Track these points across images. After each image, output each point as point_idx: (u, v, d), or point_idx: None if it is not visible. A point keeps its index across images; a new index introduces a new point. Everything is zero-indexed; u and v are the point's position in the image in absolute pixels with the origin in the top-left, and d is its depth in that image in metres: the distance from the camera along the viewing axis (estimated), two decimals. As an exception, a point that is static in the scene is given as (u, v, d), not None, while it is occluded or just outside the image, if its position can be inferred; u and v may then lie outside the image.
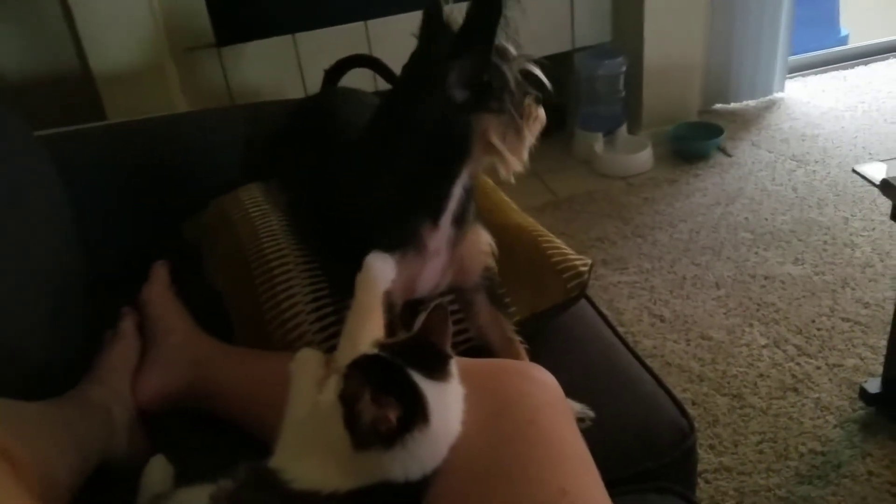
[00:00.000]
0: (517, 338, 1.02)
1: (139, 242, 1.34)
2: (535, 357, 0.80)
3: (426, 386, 0.66)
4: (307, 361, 0.81)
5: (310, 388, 0.75)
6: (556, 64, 3.18)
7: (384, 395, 0.62)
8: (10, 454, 0.67)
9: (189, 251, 1.26)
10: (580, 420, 0.93)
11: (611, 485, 0.74)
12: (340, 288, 1.07)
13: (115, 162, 1.38)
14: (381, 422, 0.62)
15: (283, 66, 2.44)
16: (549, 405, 0.75)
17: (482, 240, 1.04)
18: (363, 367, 0.65)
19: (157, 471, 0.84)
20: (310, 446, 0.69)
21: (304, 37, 2.42)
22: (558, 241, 1.17)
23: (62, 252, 1.13)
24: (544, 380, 0.78)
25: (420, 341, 0.71)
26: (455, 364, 0.71)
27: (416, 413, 0.64)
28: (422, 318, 0.72)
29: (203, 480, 0.71)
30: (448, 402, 0.69)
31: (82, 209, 1.24)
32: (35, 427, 0.80)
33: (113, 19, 2.08)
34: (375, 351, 0.68)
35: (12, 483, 0.64)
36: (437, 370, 0.69)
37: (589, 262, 1.13)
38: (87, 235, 1.23)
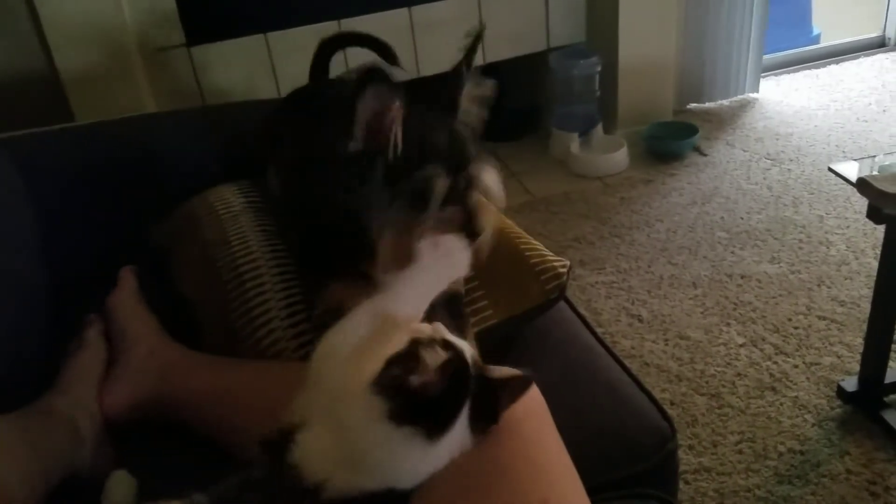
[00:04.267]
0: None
1: (107, 247, 1.30)
2: (514, 361, 0.78)
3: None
4: None
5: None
6: (532, 64, 3.18)
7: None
8: None
9: (158, 256, 1.23)
10: None
11: (592, 491, 0.73)
12: (314, 293, 1.05)
13: (83, 164, 1.35)
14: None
15: (255, 67, 2.40)
16: (532, 415, 0.74)
17: None
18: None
19: (120, 486, 0.81)
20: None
21: (276, 36, 2.39)
22: (535, 243, 1.15)
23: (23, 258, 1.09)
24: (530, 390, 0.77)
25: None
26: None
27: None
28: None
29: (171, 495, 0.68)
30: None
31: (47, 213, 1.20)
32: None
33: (80, 19, 2.04)
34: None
35: None
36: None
37: (567, 263, 1.11)
38: (53, 240, 1.19)
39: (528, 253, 1.11)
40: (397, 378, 0.62)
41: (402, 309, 0.72)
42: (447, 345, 0.65)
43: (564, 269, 1.10)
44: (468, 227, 0.87)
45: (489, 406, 0.68)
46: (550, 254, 1.12)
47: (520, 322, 1.06)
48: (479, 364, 0.69)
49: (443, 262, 0.78)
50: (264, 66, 2.41)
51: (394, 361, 0.63)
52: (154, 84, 2.26)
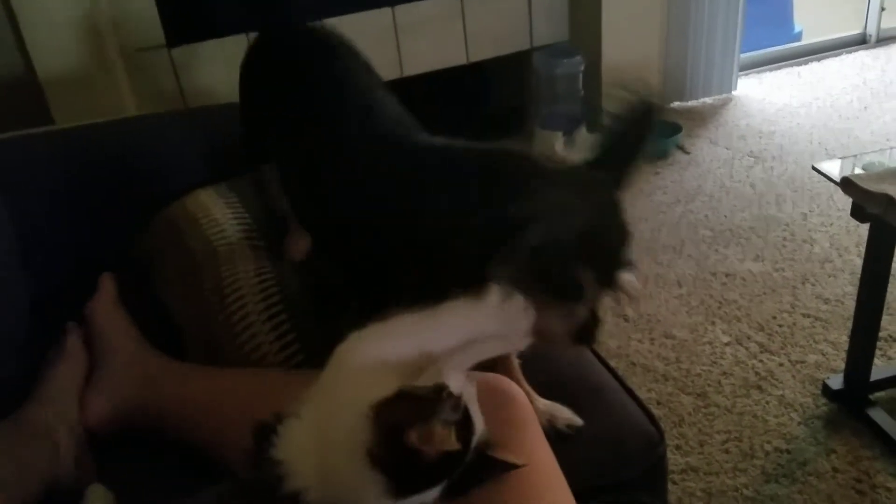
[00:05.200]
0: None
1: (88, 254, 1.28)
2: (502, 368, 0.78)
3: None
4: None
5: None
6: (515, 63, 3.15)
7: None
8: None
9: (140, 265, 1.21)
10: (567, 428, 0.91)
11: (581, 496, 0.72)
12: (294, 300, 1.04)
13: (64, 170, 1.32)
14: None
15: (237, 67, 2.37)
16: (525, 426, 0.74)
17: None
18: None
19: (97, 500, 0.79)
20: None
21: (257, 37, 2.37)
22: None
23: (1, 265, 1.07)
24: (515, 396, 0.77)
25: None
26: None
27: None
28: None
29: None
30: None
31: (26, 220, 1.18)
32: None
33: (58, 19, 2.01)
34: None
35: None
36: None
37: None
38: (32, 247, 1.17)
39: None
40: (398, 423, 0.58)
41: (439, 342, 0.68)
42: (465, 419, 0.60)
43: None
44: (583, 334, 0.78)
45: (468, 480, 0.64)
46: None
47: None
48: (484, 441, 0.64)
49: (502, 332, 0.71)
50: (246, 66, 2.38)
51: (405, 399, 0.59)
52: (135, 86, 2.23)
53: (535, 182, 0.77)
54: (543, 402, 0.95)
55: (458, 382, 0.62)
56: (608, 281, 0.77)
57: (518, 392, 0.77)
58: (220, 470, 0.70)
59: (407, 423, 0.57)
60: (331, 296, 1.05)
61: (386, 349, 0.67)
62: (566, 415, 0.94)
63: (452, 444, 0.58)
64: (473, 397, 0.64)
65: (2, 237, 1.10)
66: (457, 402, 0.59)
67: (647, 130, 0.83)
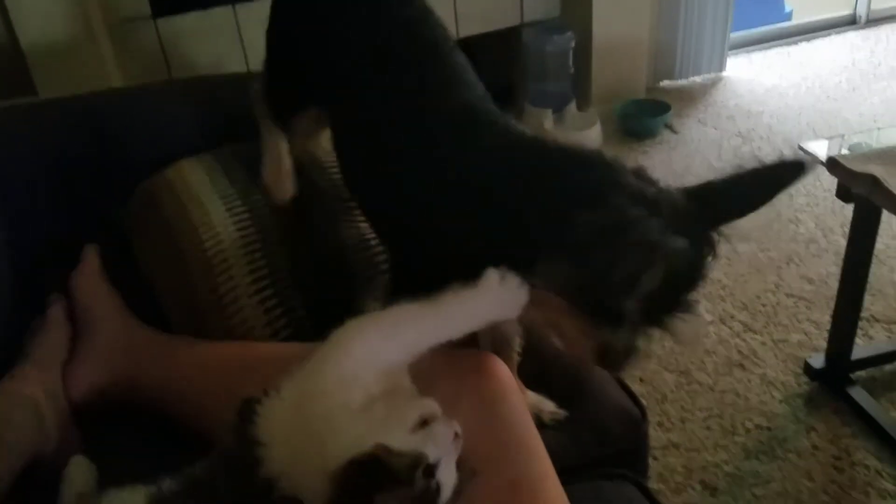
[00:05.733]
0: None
1: (71, 227, 1.27)
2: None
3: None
4: None
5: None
6: (505, 39, 3.13)
7: None
8: None
9: (124, 237, 1.20)
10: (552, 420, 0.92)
11: (564, 473, 0.73)
12: (281, 270, 1.03)
13: (45, 140, 1.31)
14: None
15: (223, 39, 2.35)
16: (506, 400, 0.74)
17: None
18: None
19: (79, 471, 0.79)
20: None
21: (244, 8, 2.34)
22: None
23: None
24: (497, 372, 0.77)
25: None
26: None
27: None
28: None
29: (135, 481, 0.67)
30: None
31: (9, 192, 1.17)
32: None
33: (41, -13, 1.98)
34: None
35: None
36: None
37: None
38: (16, 220, 1.16)
39: None
40: (365, 485, 0.57)
41: (442, 334, 0.68)
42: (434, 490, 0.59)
43: None
44: (612, 358, 0.72)
45: None
46: None
47: None
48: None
49: (498, 298, 0.70)
50: (232, 38, 2.36)
51: (380, 465, 0.57)
52: (119, 57, 2.21)
53: (616, 194, 0.70)
54: (531, 395, 0.95)
55: (444, 437, 0.62)
56: (657, 321, 0.71)
57: (500, 367, 0.77)
58: (203, 445, 0.70)
59: (374, 488, 0.57)
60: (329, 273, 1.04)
61: (379, 350, 0.66)
62: (550, 408, 0.95)
63: None
64: (453, 453, 0.63)
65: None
66: (427, 485, 0.58)
67: (781, 188, 0.74)
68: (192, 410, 0.87)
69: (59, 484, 0.78)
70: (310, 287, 1.04)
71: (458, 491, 0.62)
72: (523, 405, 0.76)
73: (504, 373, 0.77)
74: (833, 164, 1.43)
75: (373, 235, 1.07)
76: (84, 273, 1.08)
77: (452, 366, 0.76)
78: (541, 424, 0.89)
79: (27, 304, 1.05)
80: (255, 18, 2.32)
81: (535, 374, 0.97)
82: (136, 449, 0.89)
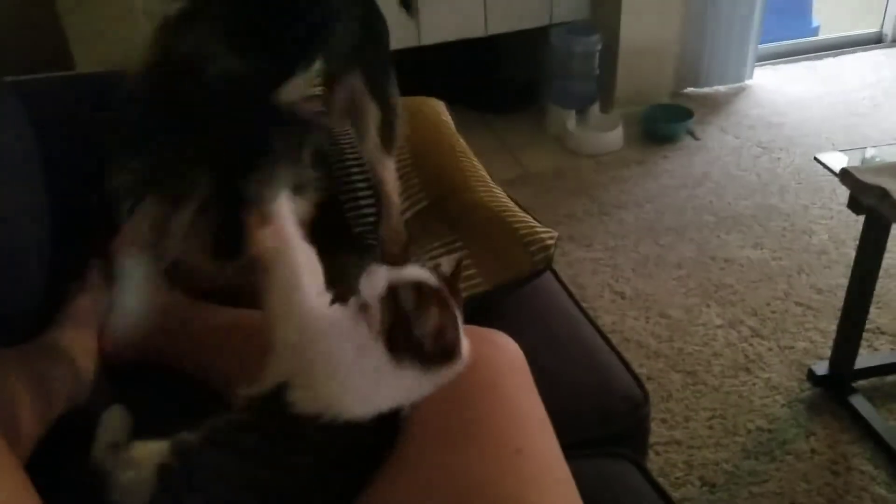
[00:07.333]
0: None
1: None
2: (499, 325, 0.82)
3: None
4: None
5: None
6: (531, 38, 3.16)
7: (433, 311, 0.68)
8: None
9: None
10: None
11: (567, 448, 0.76)
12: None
13: (87, 108, 1.36)
14: (441, 333, 0.68)
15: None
16: (511, 371, 0.78)
17: None
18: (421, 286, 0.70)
19: (115, 420, 0.84)
20: (316, 366, 0.70)
21: None
22: (524, 214, 1.20)
23: (26, 196, 1.11)
24: (508, 346, 0.81)
25: (450, 280, 0.75)
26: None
27: (456, 341, 0.71)
28: (446, 261, 0.77)
29: (160, 435, 0.72)
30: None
31: (52, 161, 1.22)
32: (3, 372, 0.81)
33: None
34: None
35: None
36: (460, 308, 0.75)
37: (555, 234, 1.15)
38: (57, 187, 1.21)
39: (516, 225, 1.16)
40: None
41: None
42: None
43: (552, 241, 1.14)
44: (222, 246, 0.79)
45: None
46: (539, 225, 1.17)
47: (508, 290, 1.10)
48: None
49: None
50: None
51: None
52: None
53: None
54: None
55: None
56: (231, 190, 0.74)
57: (507, 342, 0.81)
58: (219, 400, 0.75)
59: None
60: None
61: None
62: None
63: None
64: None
65: (28, 162, 1.14)
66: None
67: None
68: (221, 371, 0.92)
69: (91, 431, 0.84)
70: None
71: None
72: (531, 381, 0.80)
73: (513, 347, 0.81)
74: (845, 175, 1.47)
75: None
76: (125, 240, 1.13)
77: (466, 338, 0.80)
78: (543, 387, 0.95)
79: (69, 268, 1.11)
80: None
81: (545, 342, 1.02)
82: (164, 403, 0.94)
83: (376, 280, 0.71)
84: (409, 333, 0.68)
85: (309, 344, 0.71)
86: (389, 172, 1.17)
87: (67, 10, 2.07)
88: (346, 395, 0.68)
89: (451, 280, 0.75)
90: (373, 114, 1.13)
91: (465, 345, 0.73)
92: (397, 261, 0.85)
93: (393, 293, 0.70)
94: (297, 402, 0.68)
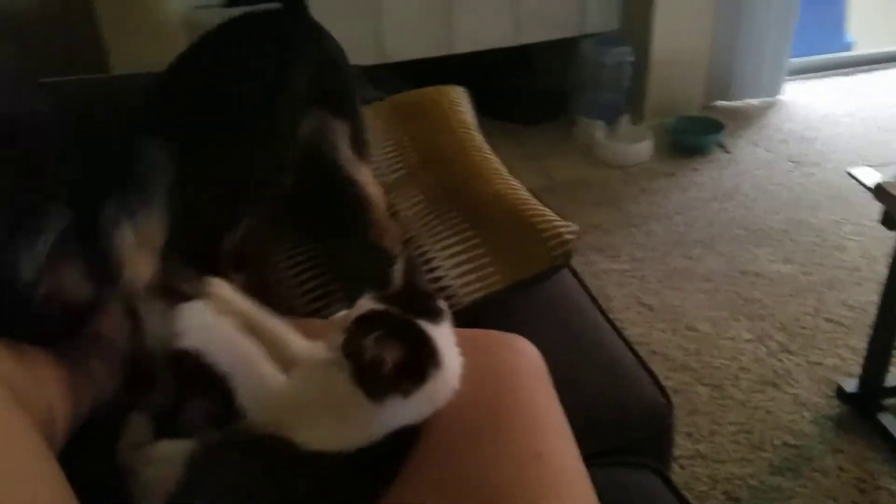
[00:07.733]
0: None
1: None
2: (520, 329, 0.82)
3: (431, 330, 0.69)
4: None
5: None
6: (562, 48, 3.16)
7: (392, 342, 0.65)
8: (12, 384, 0.68)
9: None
10: None
11: (588, 458, 0.76)
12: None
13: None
14: (396, 368, 0.65)
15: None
16: (531, 376, 0.78)
17: None
18: (369, 321, 0.68)
19: (139, 423, 0.85)
20: (311, 407, 0.70)
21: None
22: (543, 208, 1.16)
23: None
24: (528, 352, 0.81)
25: (410, 289, 0.74)
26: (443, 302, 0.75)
27: (429, 357, 0.68)
28: (399, 268, 0.75)
29: (181, 436, 0.73)
30: (448, 339, 0.72)
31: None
32: (43, 363, 0.81)
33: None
34: (375, 305, 0.70)
35: (13, 405, 0.65)
36: (434, 312, 0.72)
37: (575, 227, 1.11)
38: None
39: (534, 219, 1.12)
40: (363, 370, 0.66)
41: None
42: None
43: (571, 236, 1.10)
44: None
45: (424, 300, 0.74)
46: (558, 219, 1.13)
47: (525, 286, 1.08)
48: (383, 295, 0.73)
49: None
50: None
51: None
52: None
53: None
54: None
55: None
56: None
57: (528, 347, 0.81)
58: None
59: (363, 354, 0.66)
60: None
61: None
62: None
63: None
64: None
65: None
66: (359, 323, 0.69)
67: None
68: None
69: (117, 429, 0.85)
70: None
71: None
72: (551, 386, 0.80)
73: (533, 352, 0.81)
74: (880, 190, 1.45)
75: None
76: None
77: (485, 342, 0.80)
78: (564, 395, 0.94)
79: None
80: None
81: (570, 352, 1.01)
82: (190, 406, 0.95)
83: (335, 335, 0.69)
84: (375, 375, 0.66)
85: (289, 399, 0.71)
86: (366, 175, 1.17)
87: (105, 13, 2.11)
88: (337, 437, 0.67)
89: (408, 287, 0.74)
90: (342, 130, 1.13)
91: (451, 352, 0.71)
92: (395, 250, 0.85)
93: (349, 340, 0.67)
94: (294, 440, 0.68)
